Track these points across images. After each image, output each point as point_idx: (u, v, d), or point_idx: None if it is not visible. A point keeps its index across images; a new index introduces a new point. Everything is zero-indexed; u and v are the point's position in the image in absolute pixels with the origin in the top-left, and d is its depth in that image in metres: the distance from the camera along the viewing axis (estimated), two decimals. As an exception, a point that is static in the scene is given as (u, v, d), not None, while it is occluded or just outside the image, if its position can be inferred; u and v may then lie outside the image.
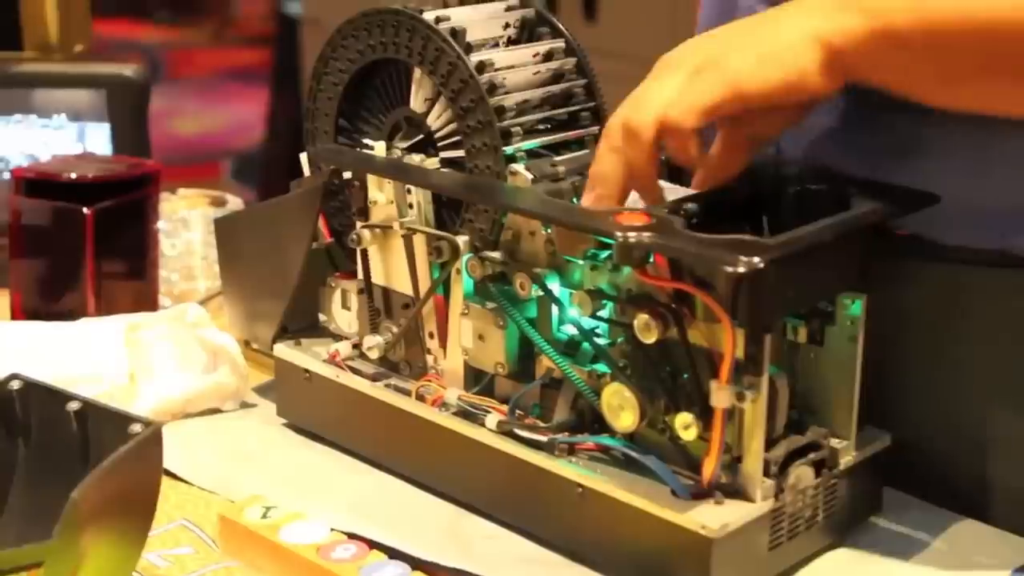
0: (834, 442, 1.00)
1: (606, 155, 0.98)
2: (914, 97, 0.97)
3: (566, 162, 1.06)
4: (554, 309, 1.03)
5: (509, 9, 1.13)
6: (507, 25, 1.12)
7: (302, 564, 0.99)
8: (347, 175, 1.13)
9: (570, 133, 1.10)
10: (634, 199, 1.06)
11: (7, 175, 1.49)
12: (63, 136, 1.59)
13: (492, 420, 1.04)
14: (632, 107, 0.97)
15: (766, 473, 0.95)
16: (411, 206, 1.09)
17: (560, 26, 1.12)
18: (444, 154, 1.08)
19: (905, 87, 0.97)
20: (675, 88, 0.95)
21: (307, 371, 1.17)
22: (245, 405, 1.24)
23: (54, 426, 0.97)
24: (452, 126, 1.07)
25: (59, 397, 0.98)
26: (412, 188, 1.08)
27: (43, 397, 0.99)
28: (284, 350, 1.19)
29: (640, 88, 0.98)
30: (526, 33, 1.12)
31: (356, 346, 1.15)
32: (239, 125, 4.72)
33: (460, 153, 1.07)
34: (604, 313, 1.00)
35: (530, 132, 1.08)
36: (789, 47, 0.94)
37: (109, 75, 1.58)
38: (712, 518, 0.93)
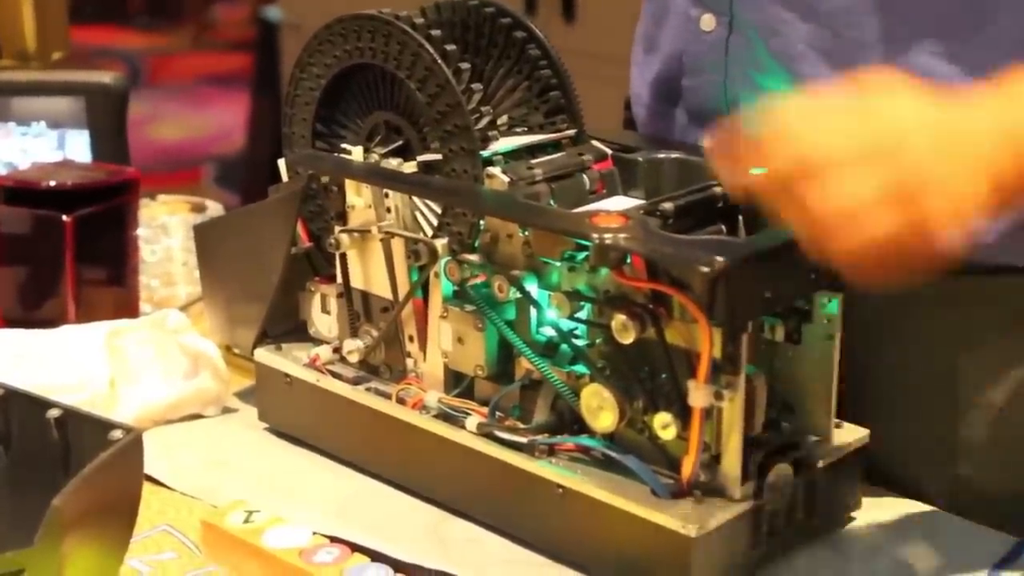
0: (812, 440, 1.01)
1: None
2: None
3: (543, 164, 1.06)
4: (532, 311, 1.03)
5: (485, 17, 1.14)
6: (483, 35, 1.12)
7: (285, 568, 0.99)
8: (325, 180, 1.14)
9: (547, 136, 1.10)
10: (611, 203, 1.07)
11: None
12: (42, 144, 1.59)
13: (472, 422, 1.05)
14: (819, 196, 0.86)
15: (745, 471, 0.96)
16: (389, 210, 1.09)
17: (536, 31, 1.12)
18: (421, 157, 1.08)
19: None
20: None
21: (288, 376, 1.17)
22: (226, 410, 1.24)
23: (35, 433, 0.97)
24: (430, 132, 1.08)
25: (40, 404, 0.98)
26: (389, 192, 1.08)
27: (24, 404, 0.99)
28: (265, 355, 1.19)
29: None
30: (502, 38, 1.12)
31: (336, 350, 1.16)
32: (220, 130, 4.71)
33: (437, 156, 1.07)
34: (582, 314, 1.00)
35: (507, 135, 1.08)
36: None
37: (88, 82, 1.58)
38: (692, 517, 0.94)
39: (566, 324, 1.02)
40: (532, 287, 1.03)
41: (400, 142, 1.10)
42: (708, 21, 1.14)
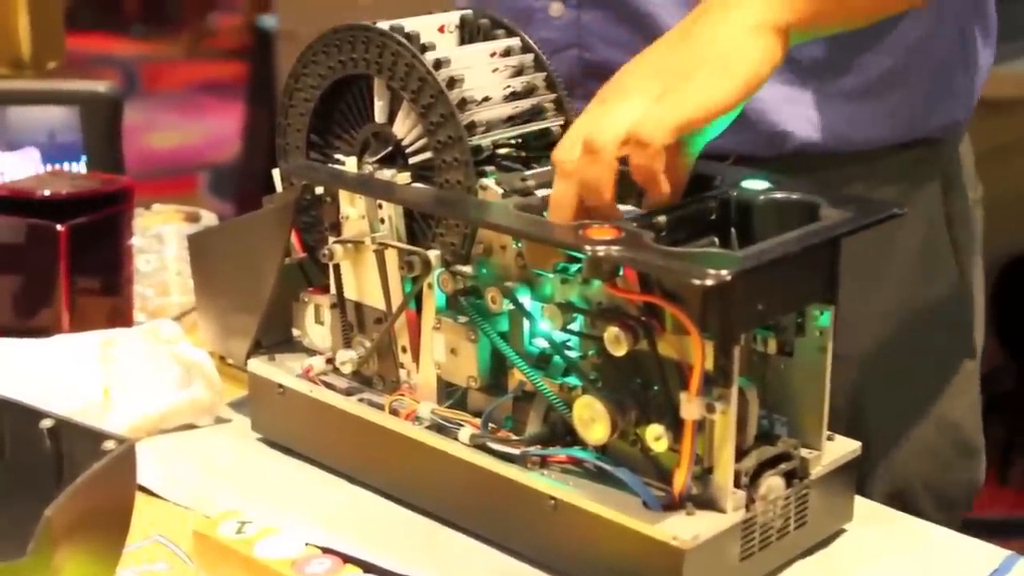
0: (804, 452, 1.01)
1: (560, 182, 0.98)
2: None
3: (536, 176, 1.06)
4: (525, 323, 1.03)
5: (479, 28, 1.14)
6: (493, 54, 1.12)
7: (277, 579, 0.99)
8: (319, 190, 1.14)
9: (536, 125, 1.10)
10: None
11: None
12: (36, 153, 1.58)
13: (465, 434, 1.05)
14: (592, 127, 0.96)
15: (737, 484, 0.96)
16: (383, 221, 1.09)
17: (529, 40, 1.13)
18: (414, 159, 1.08)
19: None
20: (640, 108, 0.95)
21: (281, 386, 1.17)
22: (219, 420, 1.24)
23: (28, 443, 0.97)
24: (422, 141, 1.08)
25: (33, 414, 0.98)
26: (383, 203, 1.09)
27: (17, 414, 0.99)
28: (258, 365, 1.19)
29: (595, 112, 0.98)
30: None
31: (330, 361, 1.16)
32: (216, 138, 4.72)
33: (429, 155, 1.07)
34: (575, 326, 1.00)
35: (501, 147, 1.08)
36: (745, 46, 0.95)
37: (82, 92, 1.58)
38: (683, 529, 0.94)
39: (559, 336, 1.02)
40: (525, 299, 1.03)
41: (390, 148, 1.10)
42: (557, 9, 1.21)
